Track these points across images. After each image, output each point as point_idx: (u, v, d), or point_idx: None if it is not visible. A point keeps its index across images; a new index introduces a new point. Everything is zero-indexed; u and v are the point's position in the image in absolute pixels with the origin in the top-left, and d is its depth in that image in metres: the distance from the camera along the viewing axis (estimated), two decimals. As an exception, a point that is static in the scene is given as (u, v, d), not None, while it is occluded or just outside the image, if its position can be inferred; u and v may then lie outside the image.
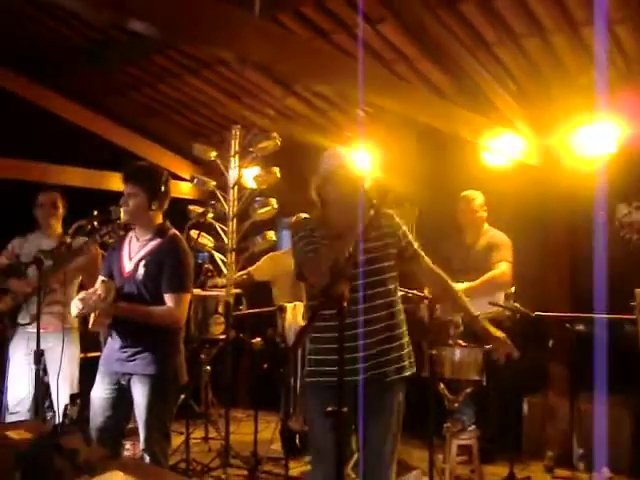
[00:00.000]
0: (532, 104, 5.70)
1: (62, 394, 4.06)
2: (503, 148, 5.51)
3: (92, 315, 3.47)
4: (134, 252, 3.65)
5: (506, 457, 4.91)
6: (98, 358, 3.75)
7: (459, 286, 4.97)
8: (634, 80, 5.12)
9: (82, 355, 4.76)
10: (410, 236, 3.24)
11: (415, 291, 4.49)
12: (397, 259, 3.17)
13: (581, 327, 5.17)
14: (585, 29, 4.76)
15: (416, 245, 3.25)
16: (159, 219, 3.70)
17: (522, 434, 5.66)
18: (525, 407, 5.77)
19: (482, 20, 4.90)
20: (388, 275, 3.12)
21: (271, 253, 6.16)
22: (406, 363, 3.12)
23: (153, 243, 3.62)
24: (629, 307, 4.62)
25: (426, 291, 4.50)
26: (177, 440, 4.87)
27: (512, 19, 4.85)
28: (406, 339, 3.16)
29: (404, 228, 3.22)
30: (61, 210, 4.89)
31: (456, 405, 4.49)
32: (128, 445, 4.40)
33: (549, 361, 5.79)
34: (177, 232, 3.73)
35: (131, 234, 3.73)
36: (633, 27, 4.70)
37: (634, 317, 4.65)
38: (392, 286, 3.14)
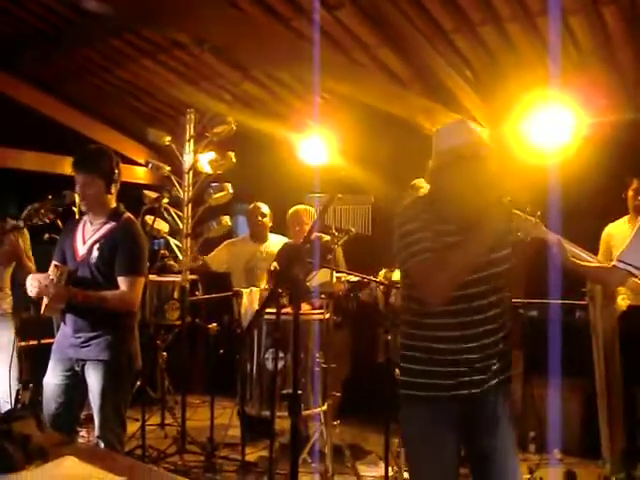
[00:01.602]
0: (488, 92, 5.75)
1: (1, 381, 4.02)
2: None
3: (44, 300, 3.43)
4: (88, 236, 3.62)
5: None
6: (51, 344, 3.71)
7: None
8: (587, 70, 5.20)
9: (35, 342, 4.69)
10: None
11: (371, 276, 4.52)
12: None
13: (534, 313, 5.26)
14: (540, 19, 4.81)
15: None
16: (113, 202, 3.67)
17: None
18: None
19: (440, 8, 4.92)
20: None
21: (227, 241, 6.15)
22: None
23: (107, 226, 3.60)
24: (581, 293, 4.73)
25: (381, 276, 4.53)
26: (133, 427, 4.83)
27: (469, 7, 4.88)
28: None
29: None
30: None
31: (411, 390, 4.53)
32: (83, 432, 4.37)
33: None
34: (131, 215, 3.71)
35: (85, 218, 3.71)
36: (586, 19, 4.77)
37: (585, 303, 4.77)
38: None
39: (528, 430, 5.41)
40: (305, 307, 4.72)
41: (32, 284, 3.42)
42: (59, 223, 4.02)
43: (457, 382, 2.56)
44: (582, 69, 5.19)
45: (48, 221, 3.79)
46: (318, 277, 4.72)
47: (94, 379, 3.49)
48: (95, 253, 3.53)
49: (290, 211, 5.66)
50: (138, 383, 5.22)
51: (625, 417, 4.65)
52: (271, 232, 6.11)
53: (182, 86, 6.84)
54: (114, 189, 3.64)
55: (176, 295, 5.47)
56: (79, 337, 3.52)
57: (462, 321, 2.55)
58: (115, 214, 3.64)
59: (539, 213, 3.60)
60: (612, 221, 5.05)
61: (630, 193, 4.84)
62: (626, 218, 4.91)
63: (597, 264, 3.81)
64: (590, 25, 4.82)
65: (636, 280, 3.86)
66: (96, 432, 3.52)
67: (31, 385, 2.78)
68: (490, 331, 2.58)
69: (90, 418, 3.67)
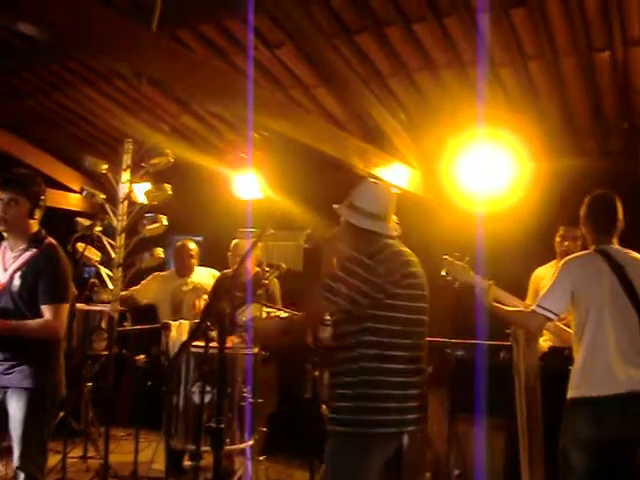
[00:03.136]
0: (421, 135, 5.91)
1: None
2: (392, 177, 5.67)
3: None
4: (8, 263, 3.56)
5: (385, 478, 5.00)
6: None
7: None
8: (515, 117, 5.40)
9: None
10: None
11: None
12: None
13: (461, 353, 5.35)
14: (472, 68, 5.00)
15: None
16: (35, 227, 3.62)
17: (402, 456, 5.77)
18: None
19: (377, 52, 5.07)
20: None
21: (156, 273, 6.11)
22: None
23: (29, 253, 3.54)
24: (506, 334, 4.85)
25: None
26: (53, 459, 4.71)
27: (406, 53, 5.04)
28: None
29: None
30: None
31: (337, 426, 4.54)
32: (0, 466, 4.23)
33: (428, 387, 5.93)
34: (53, 240, 3.66)
35: (4, 244, 3.64)
36: (514, 70, 5.00)
37: (509, 344, 4.89)
38: None
39: (453, 468, 5.47)
40: (236, 340, 4.70)
41: None
42: None
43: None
44: (511, 115, 5.39)
45: None
46: (250, 311, 4.73)
47: (16, 407, 3.41)
48: (17, 281, 3.47)
49: (232, 243, 5.67)
50: (61, 414, 5.10)
51: (545, 456, 4.75)
52: (202, 265, 6.12)
53: (121, 115, 6.82)
54: (37, 215, 3.59)
55: (104, 325, 5.39)
56: (2, 364, 3.44)
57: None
58: (36, 239, 3.58)
59: (468, 258, 3.75)
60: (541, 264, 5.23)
61: (557, 239, 5.01)
62: (554, 262, 5.07)
63: (519, 309, 3.94)
64: (518, 77, 5.04)
65: (557, 323, 4.01)
66: (15, 463, 3.42)
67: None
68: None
69: (7, 450, 3.57)
